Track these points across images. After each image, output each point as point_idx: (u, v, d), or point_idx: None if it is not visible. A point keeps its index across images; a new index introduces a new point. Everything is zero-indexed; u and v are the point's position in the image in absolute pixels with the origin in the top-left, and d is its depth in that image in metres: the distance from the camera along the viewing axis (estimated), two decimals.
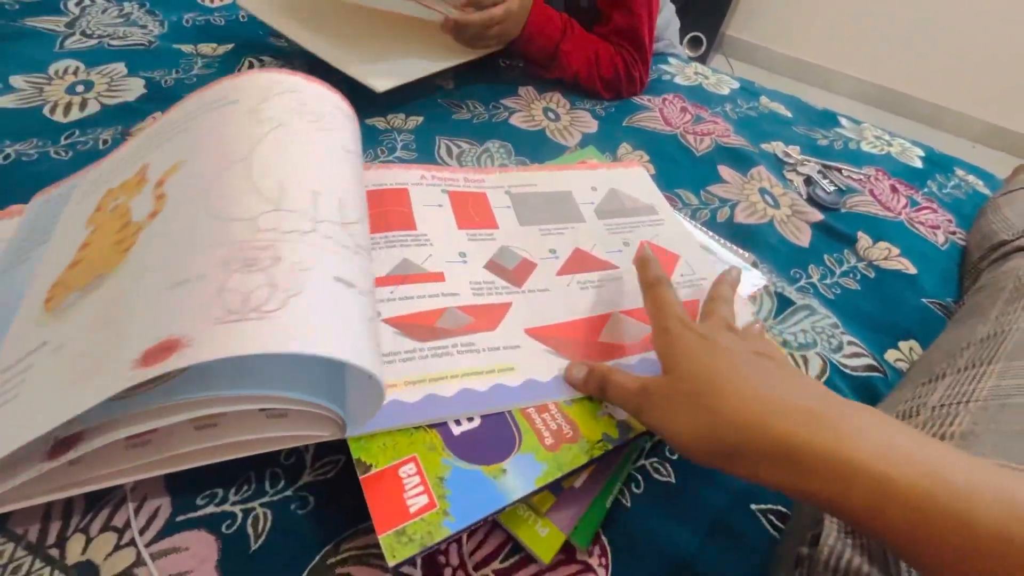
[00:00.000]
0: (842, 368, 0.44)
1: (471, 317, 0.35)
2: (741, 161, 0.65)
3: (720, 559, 0.32)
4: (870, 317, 0.49)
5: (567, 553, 0.30)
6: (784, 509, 0.34)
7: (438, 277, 0.37)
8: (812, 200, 0.62)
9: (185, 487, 0.28)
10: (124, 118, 0.51)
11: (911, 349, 0.47)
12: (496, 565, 0.29)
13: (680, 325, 0.29)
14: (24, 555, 0.26)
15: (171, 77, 0.58)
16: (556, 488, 0.30)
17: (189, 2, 0.72)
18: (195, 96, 0.36)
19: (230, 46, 0.64)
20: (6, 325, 0.29)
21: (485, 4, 0.60)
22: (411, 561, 0.26)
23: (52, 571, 0.25)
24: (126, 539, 0.26)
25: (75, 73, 0.55)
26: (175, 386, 0.24)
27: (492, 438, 0.30)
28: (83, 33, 0.61)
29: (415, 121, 0.59)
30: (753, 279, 0.48)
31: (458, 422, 0.30)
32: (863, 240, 0.58)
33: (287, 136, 0.31)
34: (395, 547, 0.25)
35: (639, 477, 0.34)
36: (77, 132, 0.49)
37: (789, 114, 0.80)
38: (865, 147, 0.76)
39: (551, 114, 0.66)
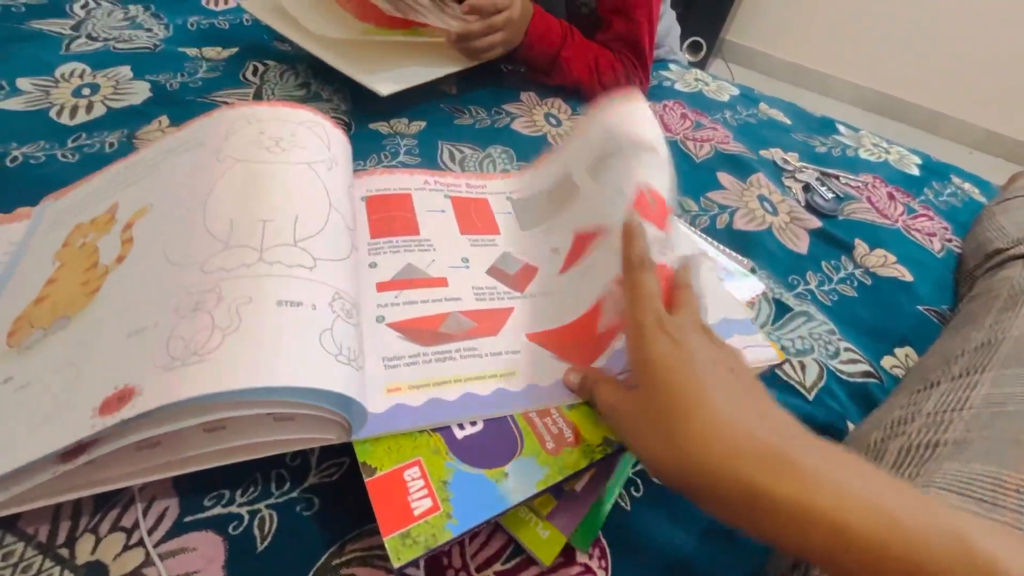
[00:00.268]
0: (839, 374, 0.45)
1: (474, 322, 0.35)
2: (740, 168, 0.66)
3: (718, 561, 0.32)
4: (867, 324, 0.50)
5: (567, 555, 0.30)
6: None
7: (441, 282, 0.37)
8: (810, 207, 0.63)
9: (193, 488, 0.29)
10: (130, 121, 0.51)
11: (907, 356, 0.48)
12: (498, 567, 0.29)
13: (656, 324, 0.27)
14: (34, 554, 0.26)
15: (176, 80, 0.58)
16: (557, 491, 0.31)
17: (194, 5, 0.73)
18: (169, 137, 0.37)
19: (234, 50, 0.65)
20: None
21: (487, 11, 0.61)
22: (415, 563, 0.27)
23: (62, 571, 0.26)
24: (135, 539, 0.27)
25: (81, 76, 0.56)
26: None
27: (494, 442, 0.30)
28: (89, 36, 0.62)
29: (418, 126, 0.60)
30: (751, 285, 0.48)
31: (461, 426, 0.31)
32: (860, 247, 0.58)
33: (243, 171, 0.32)
34: (400, 549, 0.25)
35: (639, 480, 0.35)
36: (84, 135, 0.49)
37: (788, 121, 0.80)
38: (863, 154, 0.76)
39: (552, 120, 0.67)
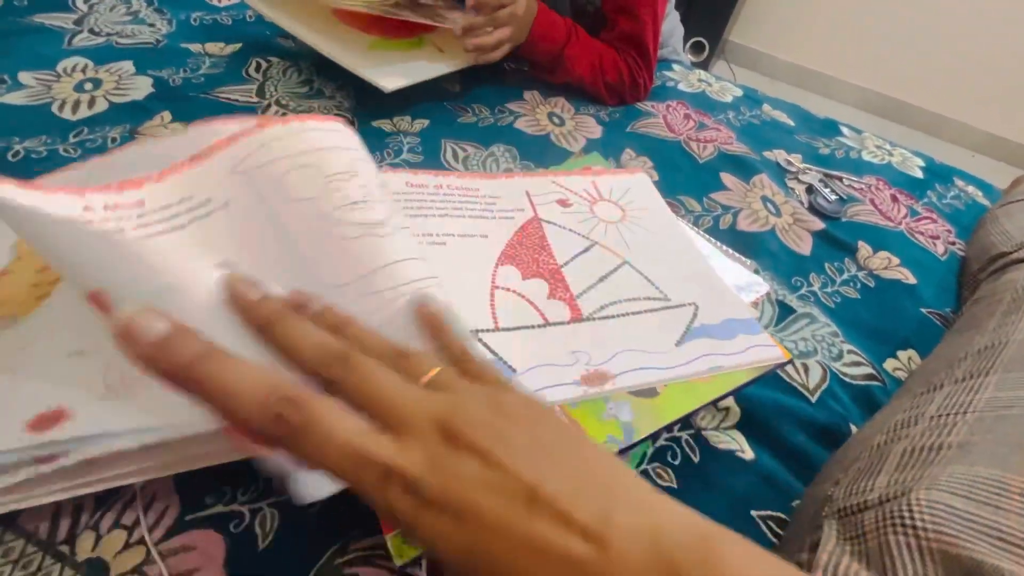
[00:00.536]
0: (842, 376, 0.44)
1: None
2: (744, 169, 0.66)
3: None
4: (870, 326, 0.50)
5: None
6: (783, 516, 0.35)
7: None
8: (813, 208, 0.63)
9: (194, 486, 0.29)
10: (132, 117, 0.51)
11: (909, 359, 0.48)
12: None
13: (383, 485, 0.16)
14: (34, 551, 0.26)
15: (179, 76, 0.58)
16: None
17: (196, 1, 0.72)
18: (149, 143, 0.35)
19: (238, 46, 0.65)
20: None
21: (491, 5, 0.61)
22: (417, 561, 0.26)
23: (62, 568, 0.25)
24: (135, 537, 0.27)
25: (83, 71, 0.55)
26: None
27: None
28: (91, 31, 0.61)
29: (421, 124, 0.60)
30: (755, 286, 0.48)
31: None
32: (863, 249, 0.58)
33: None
34: (402, 547, 0.25)
35: None
36: (86, 130, 0.49)
37: (791, 122, 0.80)
38: (866, 156, 0.76)
39: (556, 119, 0.66)
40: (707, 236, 0.52)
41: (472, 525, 0.16)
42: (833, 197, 0.65)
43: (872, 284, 0.55)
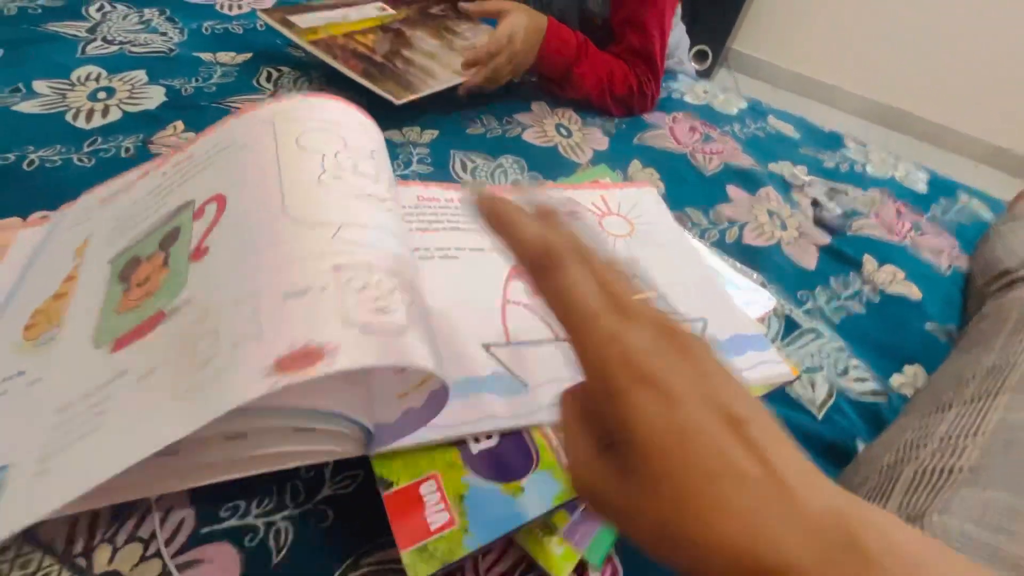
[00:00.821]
0: (848, 392, 0.45)
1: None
2: (749, 181, 0.66)
3: None
4: (875, 341, 0.50)
5: (580, 572, 0.30)
6: None
7: None
8: (819, 222, 0.63)
9: (208, 499, 0.29)
10: (146, 126, 0.52)
11: (915, 374, 0.48)
12: None
13: (620, 356, 0.18)
14: (52, 563, 0.26)
15: (191, 85, 0.59)
16: (571, 506, 0.31)
17: (208, 10, 0.73)
18: (205, 140, 0.34)
19: (249, 55, 0.65)
20: None
21: (482, 61, 0.62)
22: None
23: None
24: (151, 550, 0.27)
25: (97, 79, 0.56)
26: None
27: (510, 456, 0.30)
28: (104, 39, 0.62)
29: (431, 135, 0.60)
30: (763, 300, 0.48)
31: (477, 440, 0.31)
32: (869, 264, 0.58)
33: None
34: (417, 564, 0.25)
35: None
36: (100, 139, 0.49)
37: (796, 135, 0.81)
38: (871, 170, 0.77)
39: (563, 130, 0.67)
40: (715, 250, 0.52)
41: (681, 415, 0.17)
42: (838, 211, 0.65)
43: (877, 299, 0.55)
